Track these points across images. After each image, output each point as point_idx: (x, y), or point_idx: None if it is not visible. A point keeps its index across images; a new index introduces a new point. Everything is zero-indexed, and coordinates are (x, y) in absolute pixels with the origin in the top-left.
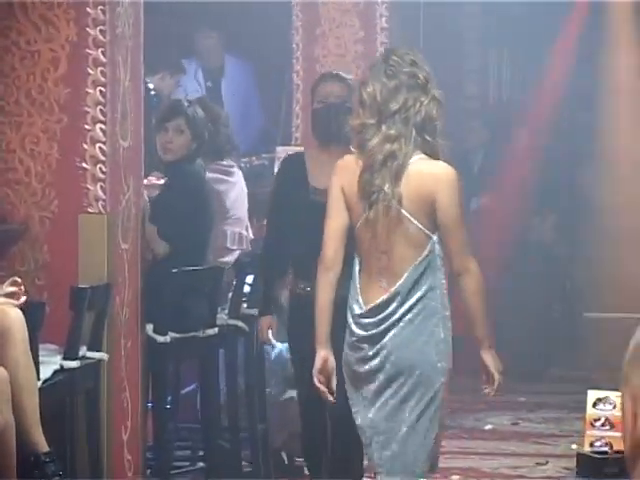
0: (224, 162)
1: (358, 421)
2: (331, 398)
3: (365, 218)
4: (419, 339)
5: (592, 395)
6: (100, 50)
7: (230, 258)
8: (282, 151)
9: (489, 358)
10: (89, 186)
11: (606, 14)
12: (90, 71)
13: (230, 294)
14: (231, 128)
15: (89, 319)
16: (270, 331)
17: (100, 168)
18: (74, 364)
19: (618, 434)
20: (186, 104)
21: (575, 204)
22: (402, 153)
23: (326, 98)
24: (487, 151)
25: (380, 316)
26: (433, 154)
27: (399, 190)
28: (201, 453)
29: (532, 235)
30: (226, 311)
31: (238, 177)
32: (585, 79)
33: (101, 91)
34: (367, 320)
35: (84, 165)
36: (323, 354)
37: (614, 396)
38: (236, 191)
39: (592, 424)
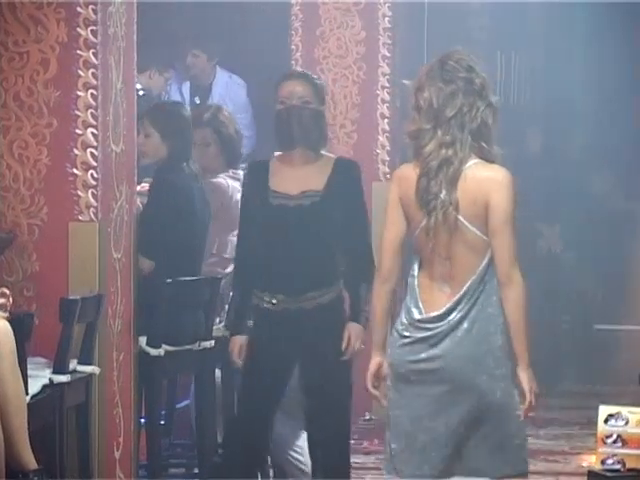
0: (238, 171)
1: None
2: (384, 402)
3: (424, 225)
4: (479, 350)
5: (603, 411)
6: (91, 51)
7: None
8: None
9: (525, 377)
10: (80, 193)
11: (616, 15)
12: (81, 73)
13: (227, 305)
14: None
15: (80, 331)
16: (242, 352)
17: (91, 174)
18: (64, 378)
19: (631, 451)
20: (157, 102)
21: (585, 211)
22: (458, 159)
23: (288, 99)
24: None
25: (441, 322)
26: (489, 161)
27: (455, 196)
28: (196, 471)
29: (540, 243)
30: (223, 323)
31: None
32: (595, 82)
33: (92, 94)
34: (426, 325)
35: (75, 171)
36: (378, 360)
37: (626, 412)
38: None
39: (604, 441)
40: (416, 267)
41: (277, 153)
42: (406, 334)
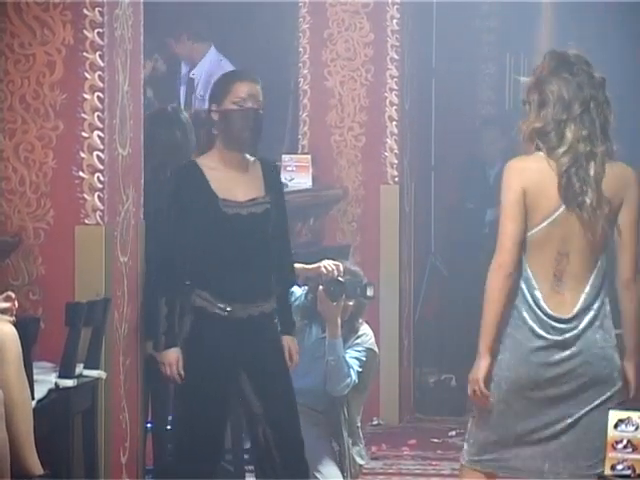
0: None
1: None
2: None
3: (556, 218)
4: (607, 345)
5: (613, 415)
6: (98, 54)
7: None
8: (288, 159)
9: (633, 367)
10: (86, 196)
11: (626, 15)
12: (87, 76)
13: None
14: None
15: (86, 335)
16: (179, 365)
17: (98, 177)
18: (70, 383)
19: None
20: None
21: None
22: (599, 154)
23: (244, 101)
24: (504, 160)
25: (573, 323)
26: (612, 157)
27: (597, 193)
28: None
29: None
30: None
31: None
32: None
33: (99, 97)
34: (558, 324)
35: (81, 174)
36: (489, 361)
37: (636, 417)
38: None
39: (613, 446)
40: (527, 265)
41: (289, 155)
42: (542, 335)
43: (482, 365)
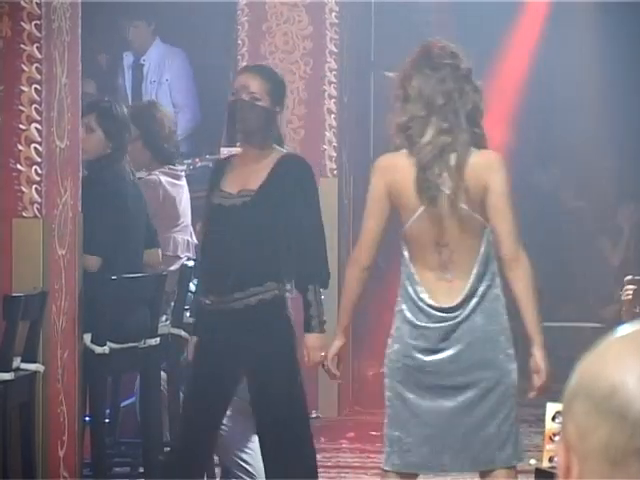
0: (177, 167)
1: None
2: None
3: (422, 214)
4: (492, 328)
5: (551, 408)
6: (35, 45)
7: (178, 266)
8: (227, 152)
9: (540, 355)
10: (24, 189)
11: (565, 12)
12: (25, 68)
13: (173, 302)
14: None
15: (23, 329)
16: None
17: (35, 170)
18: (7, 376)
19: None
20: (105, 100)
21: (532, 208)
22: (459, 144)
23: (239, 92)
24: None
25: (459, 311)
26: (480, 145)
27: (463, 184)
28: (141, 470)
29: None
30: (169, 320)
31: (184, 181)
32: (544, 79)
33: (36, 89)
34: (441, 314)
35: (18, 167)
36: (341, 342)
37: None
38: (185, 197)
39: (551, 438)
40: (407, 255)
41: (227, 148)
42: (419, 324)
43: (335, 344)
